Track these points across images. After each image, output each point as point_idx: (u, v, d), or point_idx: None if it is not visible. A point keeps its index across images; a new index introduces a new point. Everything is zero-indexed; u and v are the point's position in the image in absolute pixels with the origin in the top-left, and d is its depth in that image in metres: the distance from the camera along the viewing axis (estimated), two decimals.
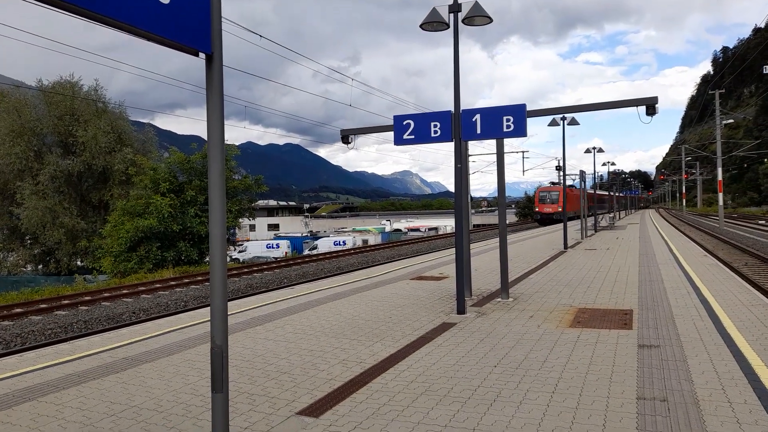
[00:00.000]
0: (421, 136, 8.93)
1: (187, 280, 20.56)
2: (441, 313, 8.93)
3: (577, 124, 20.41)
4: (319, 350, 6.76)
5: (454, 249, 21.35)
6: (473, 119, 8.67)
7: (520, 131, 8.45)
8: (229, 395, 3.68)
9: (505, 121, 8.38)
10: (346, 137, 21.91)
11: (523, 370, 5.74)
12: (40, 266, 43.36)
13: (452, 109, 8.91)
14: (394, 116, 9.12)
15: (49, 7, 2.49)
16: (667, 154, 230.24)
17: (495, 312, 8.92)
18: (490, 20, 8.81)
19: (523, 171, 60.07)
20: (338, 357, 6.43)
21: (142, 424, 4.56)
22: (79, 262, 40.83)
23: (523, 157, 56.56)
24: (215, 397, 3.54)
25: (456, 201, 9.12)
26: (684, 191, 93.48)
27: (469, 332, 7.53)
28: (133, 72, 25.73)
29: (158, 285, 19.28)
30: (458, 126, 8.77)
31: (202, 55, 3.39)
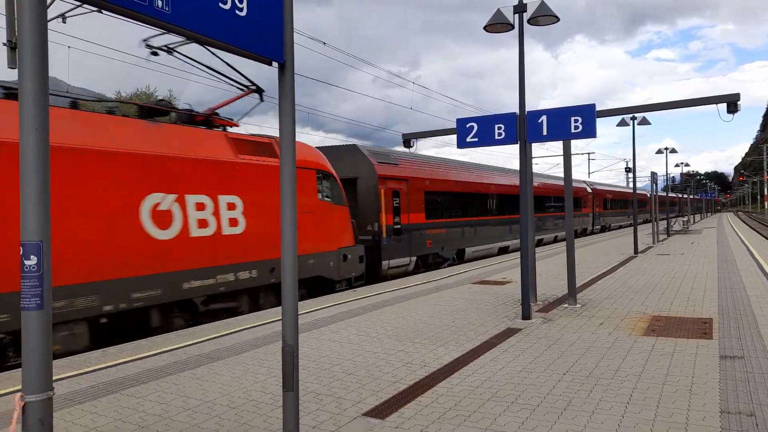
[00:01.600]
0: (485, 139, 8.82)
1: None
2: (505, 318, 8.77)
3: (649, 123, 19.54)
4: (382, 353, 6.80)
5: (516, 253, 20.97)
6: (539, 120, 8.48)
7: (588, 132, 8.18)
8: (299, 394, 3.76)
9: (573, 122, 8.14)
10: (407, 141, 21.98)
11: (595, 378, 5.54)
12: None
13: (516, 111, 8.76)
14: (457, 119, 9.06)
15: (142, 24, 2.64)
16: (746, 153, 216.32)
17: (562, 318, 8.67)
18: (557, 19, 8.59)
19: (589, 173, 58.14)
20: (402, 360, 6.44)
21: (216, 419, 4.74)
22: None
23: (589, 159, 54.74)
24: (286, 396, 3.64)
25: (521, 204, 8.95)
26: (766, 193, 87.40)
27: (535, 338, 7.35)
28: (206, 83, 26.86)
29: None
30: (524, 128, 8.60)
31: (274, 63, 3.51)
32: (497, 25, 8.72)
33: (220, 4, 2.93)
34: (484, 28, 8.86)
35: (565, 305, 9.76)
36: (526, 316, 8.53)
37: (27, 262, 2.19)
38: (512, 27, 8.79)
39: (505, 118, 8.73)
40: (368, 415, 4.73)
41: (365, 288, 12.80)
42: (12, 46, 8.10)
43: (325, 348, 7.11)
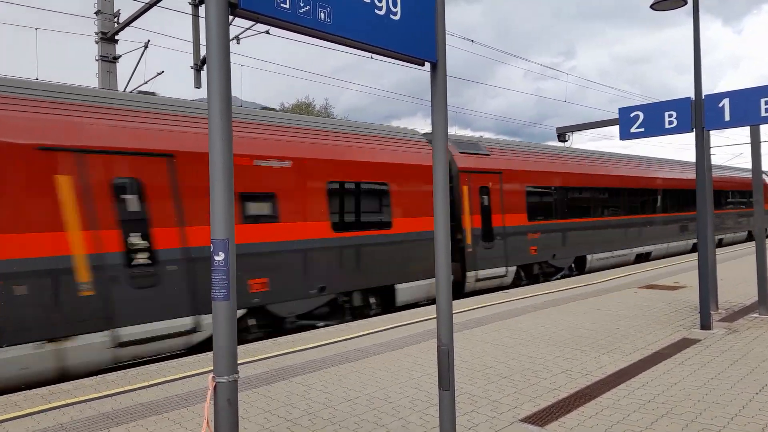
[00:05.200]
0: (653, 128, 8.03)
1: None
2: (680, 327, 7.90)
3: None
4: (539, 358, 6.52)
5: (687, 255, 18.79)
6: (719, 105, 7.50)
7: None
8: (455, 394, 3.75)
9: (764, 104, 7.06)
10: (562, 135, 20.87)
11: None
12: None
13: (690, 95, 7.84)
14: (620, 109, 8.38)
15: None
16: None
17: (751, 329, 7.57)
18: None
19: None
20: (561, 366, 6.12)
21: (375, 411, 4.92)
22: None
23: None
24: (443, 395, 3.64)
25: (698, 200, 7.99)
26: None
27: (717, 351, 6.51)
28: (357, 89, 28.25)
29: None
30: (700, 113, 7.67)
31: (426, 64, 3.54)
32: (667, 1, 7.90)
33: (376, 11, 3.03)
34: (651, 6, 8.07)
35: (755, 315, 8.52)
36: (706, 325, 7.60)
37: (216, 258, 2.47)
38: (684, 2, 7.90)
39: (677, 105, 7.86)
40: (526, 421, 4.56)
41: (517, 290, 12.41)
42: (197, 69, 9.19)
43: (478, 350, 7.02)
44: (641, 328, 7.90)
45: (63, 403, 5.34)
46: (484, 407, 4.92)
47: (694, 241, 21.85)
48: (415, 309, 10.35)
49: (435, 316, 9.21)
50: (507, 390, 5.39)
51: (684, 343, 6.93)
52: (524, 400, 5.07)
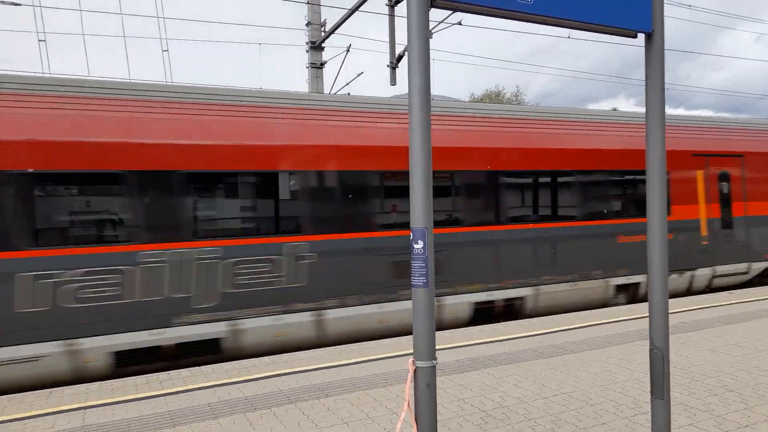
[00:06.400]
0: None
1: None
2: None
3: None
4: None
5: None
6: None
7: None
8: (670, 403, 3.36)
9: None
10: None
11: None
12: None
13: None
14: None
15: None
16: None
17: None
18: None
19: None
20: None
21: (574, 413, 4.66)
22: None
23: None
24: (656, 403, 3.29)
25: None
26: None
27: None
28: (551, 73, 26.99)
29: None
30: None
31: (640, 36, 3.19)
32: None
33: None
34: None
35: None
36: None
37: (415, 246, 2.54)
38: None
39: None
40: None
41: (755, 290, 10.68)
42: (393, 67, 9.61)
43: (695, 356, 6.21)
44: None
45: (279, 372, 6.06)
46: (704, 422, 4.33)
47: None
48: (608, 309, 9.56)
49: (638, 315, 8.41)
50: (734, 405, 4.67)
51: None
52: (758, 419, 4.34)
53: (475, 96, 50.69)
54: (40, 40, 11.31)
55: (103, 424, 4.69)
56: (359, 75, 13.59)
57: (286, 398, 5.19)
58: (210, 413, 4.86)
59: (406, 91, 2.67)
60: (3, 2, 11.39)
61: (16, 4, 10.99)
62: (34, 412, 4.98)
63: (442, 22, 11.47)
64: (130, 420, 4.76)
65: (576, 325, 7.98)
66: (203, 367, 6.29)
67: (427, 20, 2.50)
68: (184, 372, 6.14)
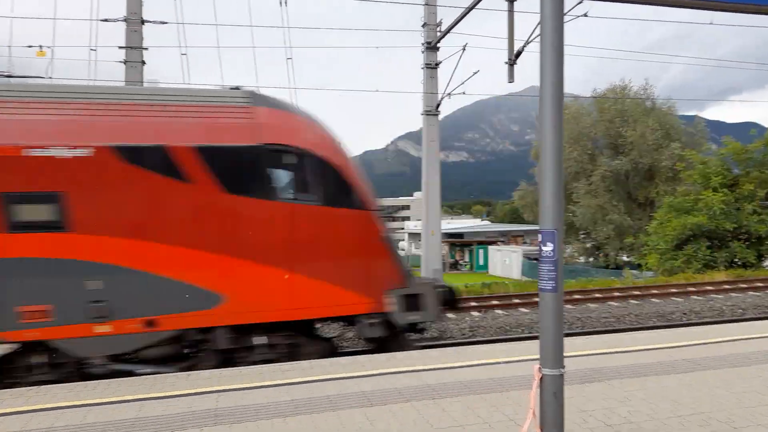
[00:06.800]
0: None
1: (743, 285, 18.23)
2: None
3: None
4: None
5: None
6: None
7: None
8: None
9: None
10: None
11: None
12: (590, 259, 48.00)
13: None
14: None
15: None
16: None
17: None
18: None
19: None
20: None
21: None
22: (625, 257, 42.83)
23: None
24: None
25: None
26: None
27: None
28: (684, 63, 24.87)
29: (709, 287, 17.90)
30: None
31: None
32: None
33: None
34: None
35: None
36: None
37: (544, 249, 2.45)
38: None
39: None
40: None
41: None
42: (511, 63, 9.39)
43: None
44: None
45: (394, 370, 6.15)
46: None
47: None
48: (750, 322, 8.58)
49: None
50: None
51: None
52: None
53: (597, 91, 47.88)
54: (182, 54, 12.49)
55: (266, 404, 5.07)
56: (475, 73, 13.36)
57: (401, 396, 5.26)
58: (330, 406, 5.06)
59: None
60: (152, 21, 12.74)
61: (164, 23, 12.23)
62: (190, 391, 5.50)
63: (566, 13, 10.96)
64: (259, 406, 5.09)
65: (712, 340, 7.27)
66: (322, 360, 6.56)
67: (561, 10, 2.40)
68: (304, 363, 6.46)
